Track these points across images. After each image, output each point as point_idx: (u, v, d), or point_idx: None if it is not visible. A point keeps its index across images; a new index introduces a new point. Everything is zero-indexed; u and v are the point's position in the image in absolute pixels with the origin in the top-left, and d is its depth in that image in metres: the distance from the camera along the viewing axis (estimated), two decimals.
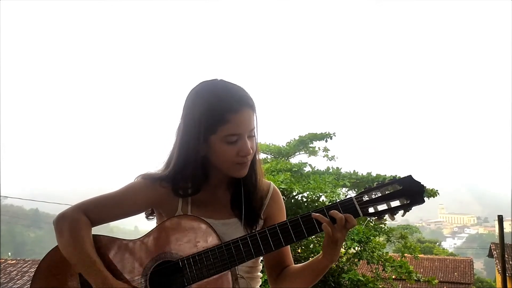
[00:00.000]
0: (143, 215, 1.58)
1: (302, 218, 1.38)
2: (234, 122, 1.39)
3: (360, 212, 1.37)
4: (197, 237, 1.40)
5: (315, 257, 1.47)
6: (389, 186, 1.39)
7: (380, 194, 1.38)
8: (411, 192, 1.38)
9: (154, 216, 1.58)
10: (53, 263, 1.46)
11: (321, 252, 1.45)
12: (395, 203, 1.38)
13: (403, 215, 1.40)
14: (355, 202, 1.38)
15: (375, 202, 1.38)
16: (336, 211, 1.36)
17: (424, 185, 1.40)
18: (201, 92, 1.45)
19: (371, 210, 1.38)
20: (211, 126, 1.39)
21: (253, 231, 1.47)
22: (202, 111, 1.40)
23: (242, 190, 1.50)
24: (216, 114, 1.38)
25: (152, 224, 1.57)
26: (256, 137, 1.48)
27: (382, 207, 1.38)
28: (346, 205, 1.38)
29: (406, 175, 1.40)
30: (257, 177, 1.53)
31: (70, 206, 1.48)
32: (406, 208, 1.38)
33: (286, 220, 1.40)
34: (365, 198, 1.39)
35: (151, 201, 1.50)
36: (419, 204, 1.38)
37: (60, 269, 1.45)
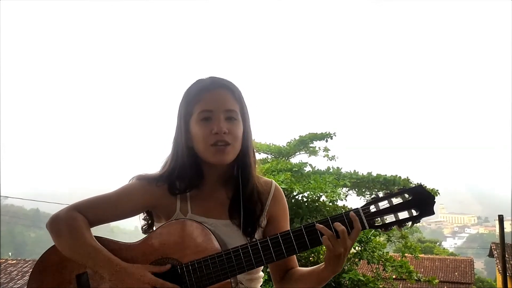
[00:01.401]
0: (140, 220, 1.55)
1: (306, 229, 1.35)
2: (206, 99, 1.43)
3: (366, 224, 1.33)
4: (197, 243, 1.37)
5: (318, 265, 1.43)
6: (398, 195, 1.34)
7: (388, 205, 1.34)
8: (421, 203, 1.33)
9: (151, 231, 1.52)
10: (49, 264, 1.44)
11: (323, 262, 1.40)
12: (403, 215, 1.33)
13: (411, 227, 1.36)
14: (362, 214, 1.33)
15: (382, 213, 1.33)
16: (339, 223, 1.32)
17: (434, 196, 1.34)
18: (188, 87, 1.50)
19: (378, 222, 1.33)
20: (188, 108, 1.45)
21: (254, 238, 1.45)
22: (182, 100, 1.47)
23: (241, 191, 1.46)
24: (191, 95, 1.45)
25: None
26: (243, 123, 1.46)
27: (389, 218, 1.34)
28: None
29: (416, 183, 1.36)
30: (250, 170, 1.49)
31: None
32: (414, 220, 1.33)
33: (289, 230, 1.36)
34: (372, 208, 1.34)
35: (147, 202, 1.48)
36: (428, 216, 1.32)
37: (56, 269, 1.42)
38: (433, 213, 1.33)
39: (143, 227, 1.55)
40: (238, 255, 1.35)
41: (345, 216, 1.33)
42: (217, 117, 1.41)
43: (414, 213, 1.33)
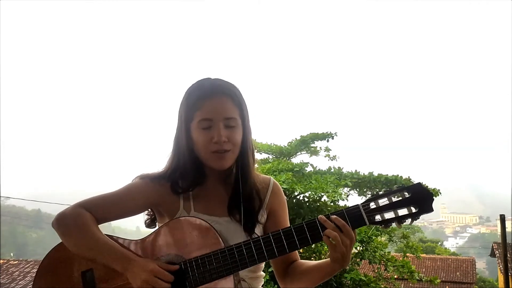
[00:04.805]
0: (144, 215, 1.58)
1: (307, 224, 1.36)
2: (206, 107, 1.42)
3: (366, 220, 1.34)
4: (200, 240, 1.39)
5: (325, 260, 1.44)
6: (397, 193, 1.36)
7: (387, 202, 1.35)
8: (420, 200, 1.35)
9: (154, 226, 1.56)
10: (54, 262, 1.45)
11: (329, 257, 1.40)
12: (402, 211, 1.35)
13: (410, 223, 1.37)
14: (362, 210, 1.35)
15: (382, 210, 1.35)
16: (338, 217, 1.33)
17: (433, 193, 1.37)
18: (188, 88, 1.50)
19: (378, 218, 1.35)
20: (189, 114, 1.44)
21: (255, 234, 1.46)
22: (183, 103, 1.47)
23: (241, 188, 1.48)
24: (192, 101, 1.44)
25: None
26: (243, 126, 1.47)
27: (389, 215, 1.35)
28: (353, 213, 1.35)
29: (415, 182, 1.37)
30: (249, 170, 1.50)
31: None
32: (413, 216, 1.35)
33: (290, 226, 1.38)
34: (372, 205, 1.35)
35: (150, 200, 1.50)
36: (427, 213, 1.34)
37: (62, 267, 1.43)
38: (431, 210, 1.34)
39: (146, 221, 1.57)
40: (241, 251, 1.36)
41: (345, 212, 1.35)
42: (217, 126, 1.42)
43: (413, 210, 1.35)
